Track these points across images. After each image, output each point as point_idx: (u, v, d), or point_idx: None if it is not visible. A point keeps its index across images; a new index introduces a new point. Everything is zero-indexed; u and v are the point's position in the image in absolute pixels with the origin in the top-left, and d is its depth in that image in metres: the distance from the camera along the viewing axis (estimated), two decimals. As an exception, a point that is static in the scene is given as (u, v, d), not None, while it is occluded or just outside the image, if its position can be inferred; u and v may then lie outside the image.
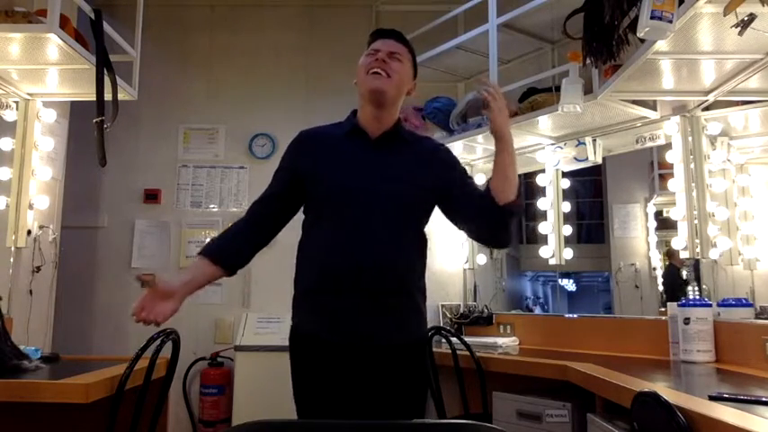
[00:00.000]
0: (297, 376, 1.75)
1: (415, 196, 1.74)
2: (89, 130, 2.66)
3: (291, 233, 1.86)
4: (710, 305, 2.34)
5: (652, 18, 1.71)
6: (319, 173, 1.74)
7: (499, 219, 1.71)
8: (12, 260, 2.93)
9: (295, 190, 1.78)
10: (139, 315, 1.63)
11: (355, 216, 1.69)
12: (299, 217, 1.86)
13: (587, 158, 3.10)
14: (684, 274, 2.87)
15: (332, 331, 1.68)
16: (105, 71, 2.62)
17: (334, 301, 1.69)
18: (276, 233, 1.84)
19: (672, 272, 3.30)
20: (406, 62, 1.79)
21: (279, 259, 3.75)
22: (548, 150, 3.26)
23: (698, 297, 2.43)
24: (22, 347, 2.29)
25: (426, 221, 1.82)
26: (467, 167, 3.71)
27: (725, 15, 1.69)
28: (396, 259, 1.70)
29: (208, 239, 3.88)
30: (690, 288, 2.49)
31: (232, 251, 1.78)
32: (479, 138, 3.21)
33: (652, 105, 2.74)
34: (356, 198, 1.69)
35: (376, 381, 1.68)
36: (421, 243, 1.80)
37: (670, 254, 3.30)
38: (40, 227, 3.11)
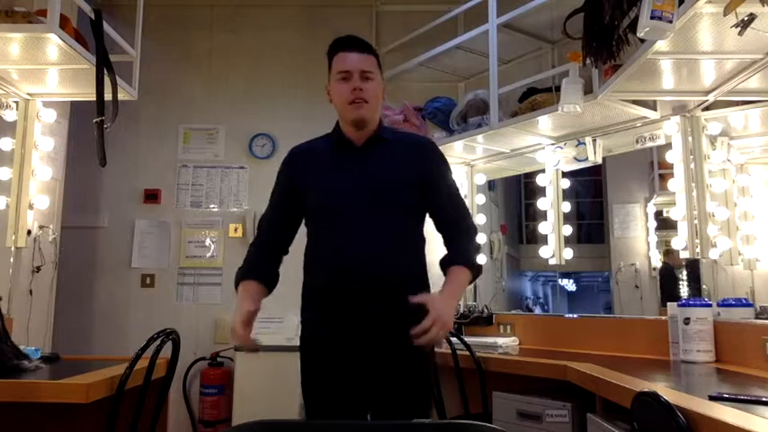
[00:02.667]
0: (306, 376, 1.82)
1: (404, 193, 1.81)
2: (89, 130, 2.66)
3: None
4: (710, 305, 2.34)
5: (652, 18, 1.71)
6: (310, 184, 1.84)
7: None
8: (12, 260, 2.93)
9: (294, 203, 1.87)
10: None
11: (349, 221, 1.76)
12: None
13: (587, 158, 3.09)
14: (678, 274, 2.88)
15: (337, 334, 1.75)
16: (105, 71, 2.62)
17: (337, 305, 1.75)
18: (290, 242, 1.94)
19: (667, 271, 3.30)
20: (377, 74, 1.84)
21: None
22: (548, 150, 3.26)
23: (693, 298, 2.42)
24: (22, 347, 2.29)
25: (422, 217, 1.89)
26: (467, 167, 3.72)
27: (725, 15, 1.69)
28: (393, 259, 1.76)
29: (208, 239, 3.89)
30: (682, 287, 2.49)
31: (269, 272, 1.90)
32: (479, 138, 3.21)
33: (652, 105, 2.73)
34: (348, 203, 1.77)
35: (381, 379, 1.74)
36: (420, 240, 1.87)
37: (666, 253, 3.30)
38: (40, 227, 3.11)
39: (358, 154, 1.84)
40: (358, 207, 1.76)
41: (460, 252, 1.84)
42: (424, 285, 1.84)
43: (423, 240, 1.88)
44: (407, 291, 1.72)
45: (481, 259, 1.94)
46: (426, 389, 1.82)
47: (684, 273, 2.66)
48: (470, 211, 3.75)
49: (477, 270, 1.85)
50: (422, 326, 1.59)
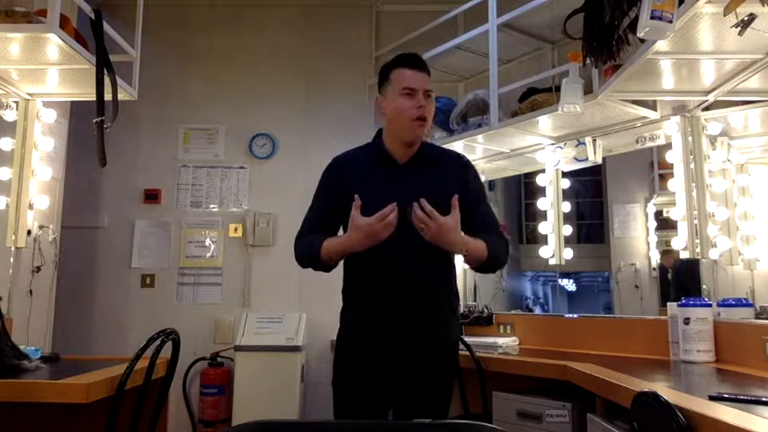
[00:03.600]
0: (338, 373, 1.93)
1: (443, 210, 1.82)
2: (89, 130, 2.66)
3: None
4: (710, 305, 2.34)
5: (652, 18, 1.71)
6: (353, 194, 1.84)
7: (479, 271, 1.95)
8: (12, 260, 2.93)
9: (336, 209, 1.89)
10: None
11: (391, 236, 1.77)
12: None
13: (587, 158, 3.09)
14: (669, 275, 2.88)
15: (377, 338, 1.86)
16: (105, 71, 2.61)
17: (377, 312, 1.87)
18: None
19: (662, 272, 3.31)
20: (433, 93, 1.92)
21: (278, 260, 3.80)
22: (548, 150, 3.26)
23: (687, 298, 2.41)
24: (22, 347, 2.29)
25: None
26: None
27: (725, 15, 1.69)
28: (430, 273, 1.87)
29: (208, 239, 3.89)
30: (673, 288, 2.49)
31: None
32: (479, 138, 3.21)
33: (652, 105, 2.74)
34: None
35: (413, 378, 1.85)
36: (451, 254, 1.94)
37: (662, 254, 3.30)
38: (40, 227, 3.11)
39: (401, 170, 1.90)
40: (400, 225, 1.76)
41: (489, 240, 1.87)
42: (455, 294, 1.98)
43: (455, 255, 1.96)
44: (443, 302, 1.90)
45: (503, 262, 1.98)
46: (450, 384, 1.94)
47: (676, 274, 2.67)
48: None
49: (494, 257, 1.87)
50: (431, 215, 1.69)
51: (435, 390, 1.89)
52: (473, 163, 2.08)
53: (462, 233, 1.80)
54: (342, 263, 1.93)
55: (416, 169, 1.90)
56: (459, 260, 1.94)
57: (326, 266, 1.88)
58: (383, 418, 1.89)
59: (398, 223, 1.75)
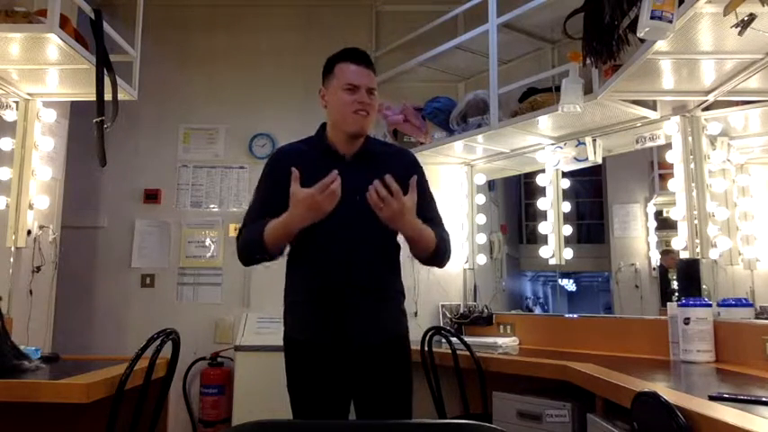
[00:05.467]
0: (290, 377, 1.89)
1: None
2: (89, 130, 2.66)
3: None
4: (710, 305, 2.34)
5: (652, 18, 1.71)
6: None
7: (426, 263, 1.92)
8: (12, 260, 2.93)
9: (280, 201, 1.77)
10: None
11: (334, 231, 1.80)
12: None
13: (587, 158, 3.09)
14: (670, 275, 2.88)
15: (318, 336, 1.83)
16: (105, 71, 2.61)
17: (318, 310, 1.84)
18: None
19: (662, 272, 3.31)
20: (376, 91, 1.92)
21: (278, 259, 3.79)
22: (548, 150, 3.26)
23: (690, 299, 2.41)
24: (22, 347, 2.29)
25: None
26: (467, 167, 3.73)
27: (725, 15, 1.69)
28: (376, 267, 1.87)
29: (208, 239, 3.89)
30: (676, 288, 2.49)
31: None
32: (479, 138, 3.21)
33: (652, 105, 2.73)
34: (334, 214, 1.73)
35: (364, 374, 1.84)
36: (396, 249, 1.95)
37: (662, 254, 3.30)
38: (40, 227, 3.11)
39: (346, 167, 1.81)
40: (343, 220, 1.77)
41: (436, 231, 1.87)
42: (400, 291, 1.96)
43: (399, 248, 1.96)
44: (389, 299, 1.89)
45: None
46: (406, 379, 1.91)
47: (675, 274, 2.67)
48: (470, 210, 3.77)
49: (441, 250, 1.87)
50: (395, 194, 1.66)
51: (390, 382, 1.86)
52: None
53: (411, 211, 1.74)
54: (285, 263, 1.90)
55: (362, 164, 1.88)
56: (404, 254, 1.92)
57: (270, 253, 1.80)
58: (344, 413, 1.85)
59: (343, 219, 1.75)
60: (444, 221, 1.98)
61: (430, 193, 1.97)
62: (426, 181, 1.96)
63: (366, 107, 1.85)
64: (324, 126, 1.96)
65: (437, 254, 1.85)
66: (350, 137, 1.89)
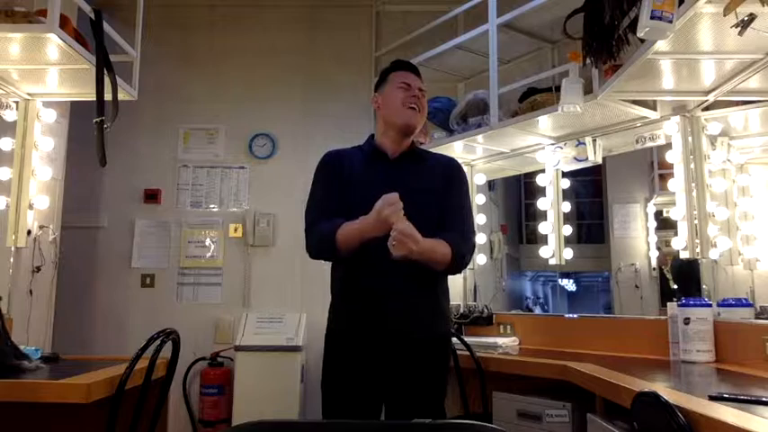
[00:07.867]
0: (326, 371, 1.95)
1: (433, 205, 1.94)
2: (89, 130, 2.65)
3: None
4: (710, 305, 2.34)
5: (652, 18, 1.71)
6: (346, 183, 1.95)
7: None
8: (12, 260, 2.93)
9: (338, 193, 1.94)
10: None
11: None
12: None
13: (587, 158, 3.09)
14: (666, 273, 2.88)
15: (359, 327, 1.90)
16: (105, 71, 2.61)
17: (360, 304, 1.91)
18: None
19: (662, 272, 3.31)
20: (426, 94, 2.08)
21: (278, 260, 3.80)
22: (548, 150, 3.26)
23: (690, 299, 2.41)
24: (22, 347, 2.29)
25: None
26: (467, 167, 3.72)
27: (725, 15, 1.69)
28: (415, 267, 1.86)
29: (208, 239, 3.89)
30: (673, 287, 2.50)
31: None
32: (479, 138, 3.21)
33: (652, 105, 2.73)
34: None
35: (403, 370, 1.88)
36: None
37: (662, 253, 3.31)
38: (40, 227, 3.11)
39: (392, 165, 1.99)
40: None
41: (453, 238, 1.91)
42: (443, 291, 2.03)
43: None
44: (430, 294, 1.95)
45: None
46: (442, 378, 1.96)
47: (668, 272, 2.68)
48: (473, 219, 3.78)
49: (459, 257, 1.91)
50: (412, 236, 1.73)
51: (427, 383, 1.91)
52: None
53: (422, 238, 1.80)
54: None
55: (406, 164, 2.00)
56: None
57: (340, 252, 1.86)
58: (376, 415, 1.89)
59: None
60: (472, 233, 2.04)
61: (462, 203, 2.03)
62: (465, 192, 2.06)
63: (417, 103, 1.98)
64: (372, 136, 2.09)
65: (448, 270, 1.94)
66: (400, 133, 1.99)
